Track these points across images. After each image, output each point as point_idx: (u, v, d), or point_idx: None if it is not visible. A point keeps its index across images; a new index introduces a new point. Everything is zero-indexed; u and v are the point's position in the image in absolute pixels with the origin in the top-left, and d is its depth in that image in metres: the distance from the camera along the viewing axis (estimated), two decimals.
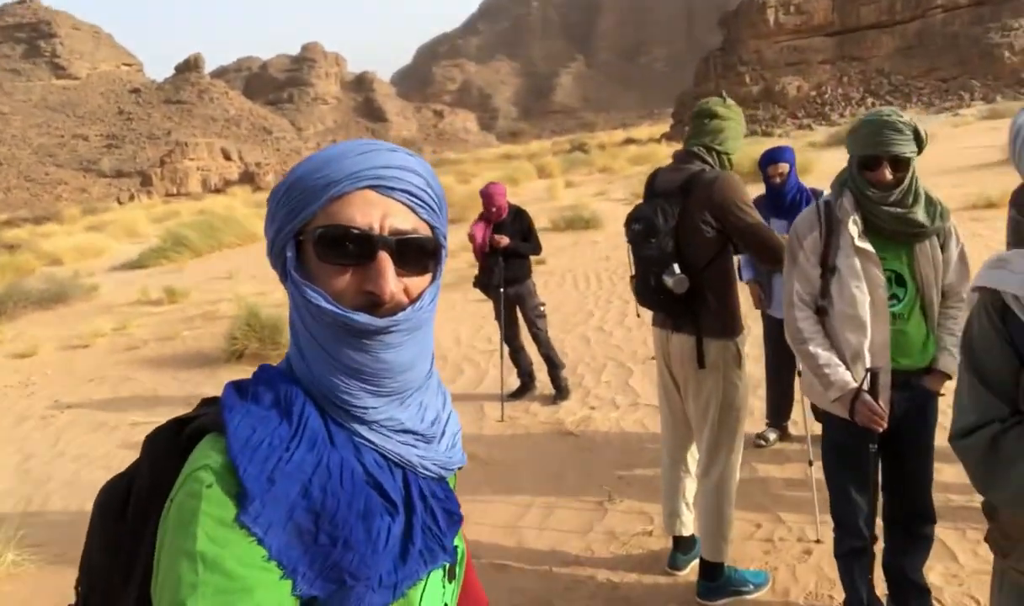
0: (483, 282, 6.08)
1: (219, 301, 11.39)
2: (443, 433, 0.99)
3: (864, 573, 2.65)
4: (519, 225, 5.97)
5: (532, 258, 6.10)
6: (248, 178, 65.78)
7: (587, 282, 10.18)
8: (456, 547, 1.01)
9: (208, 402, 0.93)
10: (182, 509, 0.78)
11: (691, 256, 2.90)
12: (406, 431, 0.93)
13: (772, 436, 4.65)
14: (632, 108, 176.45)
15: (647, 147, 39.49)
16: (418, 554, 0.89)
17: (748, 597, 3.17)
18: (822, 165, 19.21)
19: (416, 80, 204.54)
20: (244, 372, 7.41)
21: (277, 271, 0.93)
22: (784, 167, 4.41)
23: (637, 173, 25.53)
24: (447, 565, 0.98)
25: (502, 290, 5.86)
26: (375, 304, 0.87)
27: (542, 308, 6.08)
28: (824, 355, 2.48)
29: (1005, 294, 1.54)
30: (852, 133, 2.48)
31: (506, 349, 6.15)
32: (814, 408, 2.72)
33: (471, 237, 6.04)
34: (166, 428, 0.90)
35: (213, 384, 7.27)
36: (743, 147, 3.18)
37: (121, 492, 0.90)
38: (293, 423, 0.84)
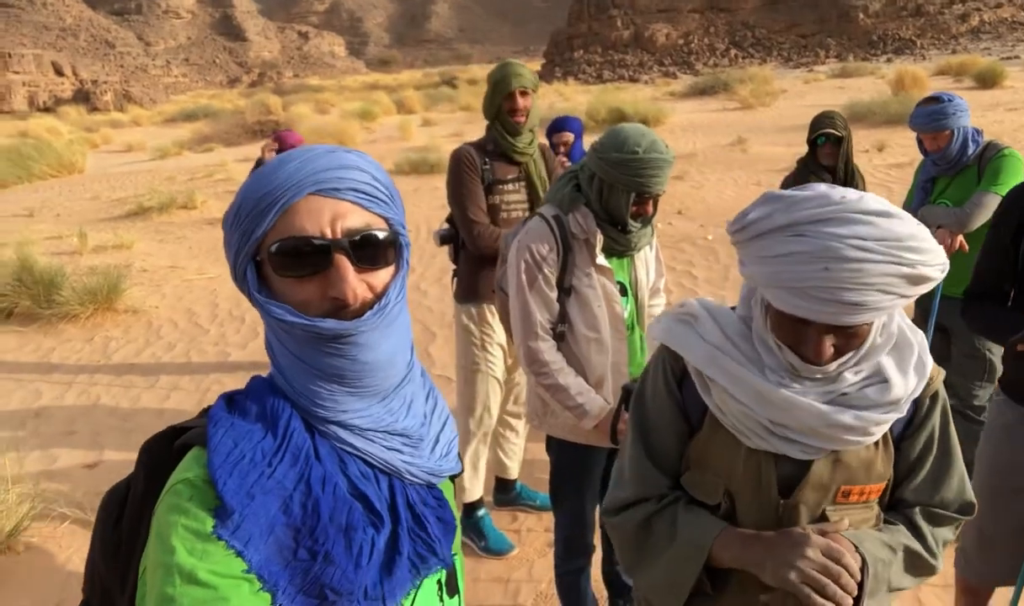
0: None
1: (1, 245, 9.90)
2: (436, 441, 0.97)
3: (587, 583, 2.62)
4: None
5: None
6: (83, 97, 59.30)
7: (416, 232, 9.50)
8: (454, 556, 1.01)
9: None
10: (161, 522, 0.78)
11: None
12: (392, 433, 0.91)
13: None
14: (509, 42, 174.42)
15: None
16: (407, 562, 0.88)
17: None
18: (675, 117, 19.34)
19: None
20: (14, 335, 5.93)
21: (245, 294, 0.91)
22: (569, 136, 4.05)
23: None
24: (443, 577, 0.98)
25: None
26: (341, 308, 0.85)
27: None
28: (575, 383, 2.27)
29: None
30: None
31: None
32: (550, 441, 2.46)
33: None
34: (161, 437, 0.89)
35: None
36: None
37: (119, 498, 0.89)
38: (278, 437, 0.84)
